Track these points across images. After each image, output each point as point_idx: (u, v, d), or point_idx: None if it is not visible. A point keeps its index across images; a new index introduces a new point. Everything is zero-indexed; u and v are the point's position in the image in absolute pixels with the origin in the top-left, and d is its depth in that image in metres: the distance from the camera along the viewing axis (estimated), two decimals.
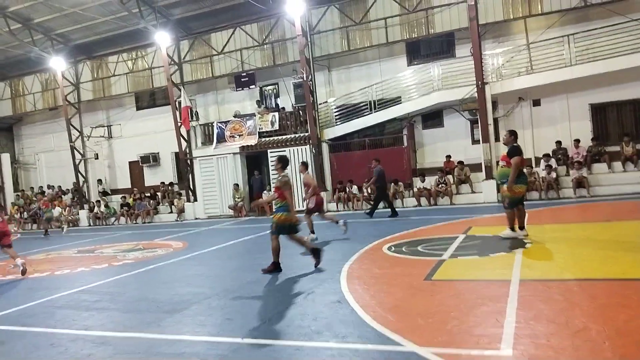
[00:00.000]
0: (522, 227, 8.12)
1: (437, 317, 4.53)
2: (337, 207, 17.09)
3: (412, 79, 17.18)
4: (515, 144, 7.99)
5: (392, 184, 16.33)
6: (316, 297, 5.62)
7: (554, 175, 14.49)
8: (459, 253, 7.36)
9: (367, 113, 17.29)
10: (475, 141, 16.71)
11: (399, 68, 17.72)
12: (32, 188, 25.18)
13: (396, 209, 13.98)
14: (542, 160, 15.14)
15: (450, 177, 16.24)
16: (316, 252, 7.39)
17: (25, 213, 23.16)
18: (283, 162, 7.71)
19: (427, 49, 17.69)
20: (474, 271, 6.27)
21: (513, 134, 8.15)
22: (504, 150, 8.27)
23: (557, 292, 4.90)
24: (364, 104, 17.49)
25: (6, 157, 25.05)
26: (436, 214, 13.47)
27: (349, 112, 17.67)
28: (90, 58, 22.75)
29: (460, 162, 16.31)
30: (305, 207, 11.09)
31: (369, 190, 16.67)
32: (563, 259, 6.56)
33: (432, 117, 17.52)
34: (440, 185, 15.94)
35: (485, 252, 7.21)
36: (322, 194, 12.43)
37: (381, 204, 14.39)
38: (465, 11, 15.57)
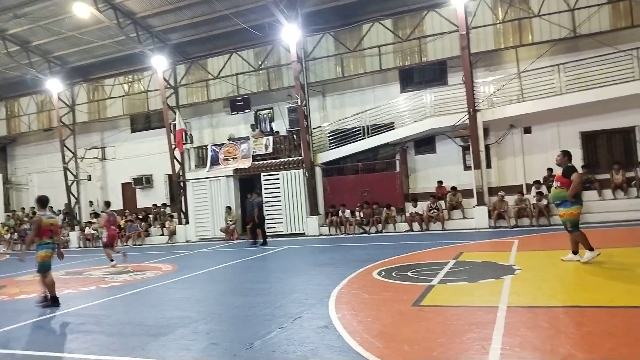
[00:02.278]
0: (575, 252, 7.91)
1: (424, 343, 4.50)
2: (330, 231, 17.06)
3: (405, 106, 17.40)
4: (569, 164, 7.80)
5: (385, 208, 16.40)
6: (303, 322, 5.57)
7: (544, 202, 14.57)
8: (449, 279, 7.35)
9: (361, 138, 17.43)
10: (467, 167, 16.83)
11: (392, 95, 17.96)
12: (23, 209, 25.01)
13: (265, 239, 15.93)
14: (533, 187, 15.25)
15: (442, 202, 16.29)
16: (54, 300, 7.86)
17: (15, 234, 22.94)
18: (40, 202, 8.11)
19: (420, 76, 17.96)
20: (463, 297, 6.25)
21: (567, 154, 7.93)
22: (538, 173, 7.80)
23: (543, 319, 4.89)
24: (357, 129, 17.64)
25: None
26: (428, 239, 13.46)
27: (343, 137, 17.81)
28: (87, 80, 22.93)
29: (453, 188, 16.39)
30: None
31: (362, 215, 16.69)
32: (551, 285, 6.56)
33: (425, 143, 17.68)
34: (432, 211, 15.98)
35: (474, 278, 7.20)
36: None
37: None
38: (457, 40, 15.88)
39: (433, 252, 10.71)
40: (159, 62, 19.42)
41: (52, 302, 7.85)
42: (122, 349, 5.15)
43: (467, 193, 16.14)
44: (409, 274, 8.05)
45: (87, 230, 21.53)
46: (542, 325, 4.70)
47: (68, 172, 22.69)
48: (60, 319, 6.87)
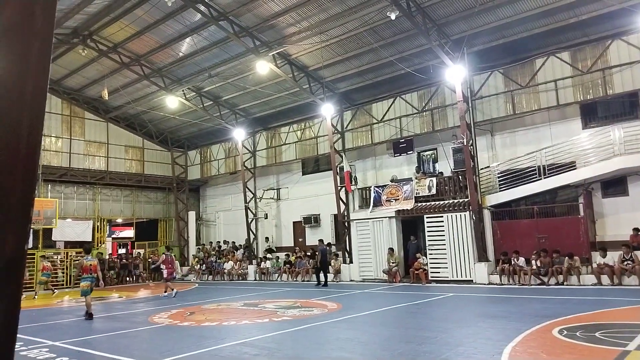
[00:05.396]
0: None
1: None
2: (501, 280, 15.84)
3: (588, 143, 15.65)
4: None
5: (567, 257, 14.69)
6: None
7: None
8: None
9: (536, 179, 16.08)
10: None
11: (572, 131, 16.34)
12: (210, 242, 28.29)
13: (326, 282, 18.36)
14: None
15: (638, 253, 14.03)
16: (90, 316, 11.50)
17: (204, 265, 25.95)
18: (84, 249, 12.92)
19: (605, 110, 16.09)
20: None
21: None
22: None
23: None
24: (531, 169, 16.35)
25: (192, 215, 28.83)
26: (620, 295, 11.64)
27: (515, 177, 16.64)
28: (266, 129, 25.50)
29: None
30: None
31: (539, 264, 15.20)
32: None
33: (615, 184, 15.60)
34: (625, 262, 13.84)
35: None
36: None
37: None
38: None
39: (628, 310, 9.23)
40: (328, 110, 20.71)
41: (88, 316, 11.46)
42: None
43: None
44: (597, 335, 7.02)
45: (263, 265, 23.36)
46: None
47: (249, 211, 25.16)
48: (237, 349, 7.47)
